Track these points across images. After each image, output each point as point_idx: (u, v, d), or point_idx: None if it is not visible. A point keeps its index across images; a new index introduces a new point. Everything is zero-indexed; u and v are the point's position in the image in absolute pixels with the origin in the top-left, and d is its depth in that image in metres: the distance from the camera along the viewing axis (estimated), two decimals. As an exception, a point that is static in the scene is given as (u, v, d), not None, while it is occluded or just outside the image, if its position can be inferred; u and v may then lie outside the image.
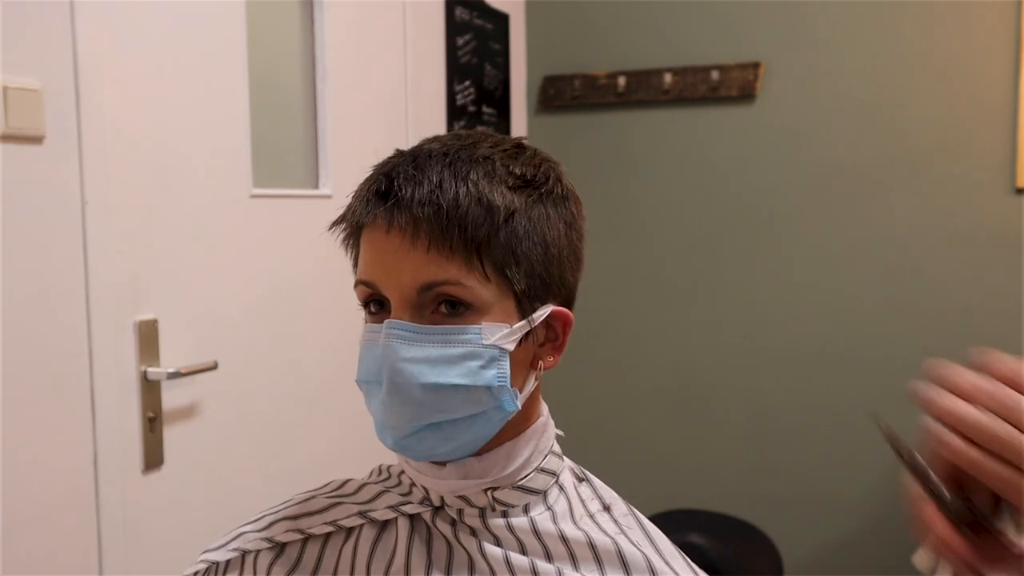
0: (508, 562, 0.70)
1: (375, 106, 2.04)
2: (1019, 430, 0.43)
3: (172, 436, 1.51)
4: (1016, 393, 0.43)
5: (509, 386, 0.68)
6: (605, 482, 0.78)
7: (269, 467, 1.71)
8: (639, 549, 0.71)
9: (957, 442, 0.44)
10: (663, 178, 2.56)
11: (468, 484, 0.70)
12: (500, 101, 2.58)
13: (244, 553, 0.77)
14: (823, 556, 2.46)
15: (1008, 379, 0.44)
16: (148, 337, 1.45)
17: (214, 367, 1.55)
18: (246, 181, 1.65)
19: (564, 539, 0.71)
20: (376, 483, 0.79)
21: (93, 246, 1.34)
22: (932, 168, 2.29)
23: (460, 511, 0.72)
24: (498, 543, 0.71)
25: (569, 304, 0.74)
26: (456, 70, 2.35)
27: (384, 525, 0.75)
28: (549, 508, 0.73)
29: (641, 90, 2.54)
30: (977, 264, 2.27)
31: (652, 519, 0.74)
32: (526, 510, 0.72)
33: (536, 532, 0.71)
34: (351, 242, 0.72)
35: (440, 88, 2.29)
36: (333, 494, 0.79)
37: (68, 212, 1.31)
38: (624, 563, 0.70)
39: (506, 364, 0.67)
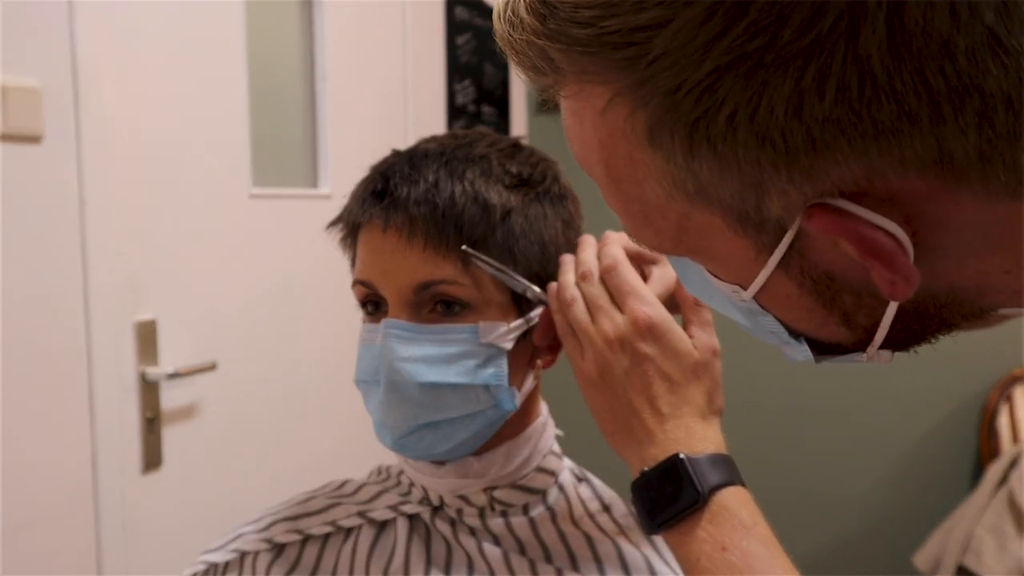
0: (507, 562, 0.69)
1: (375, 106, 2.04)
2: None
3: (171, 436, 1.51)
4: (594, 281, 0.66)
5: (507, 385, 0.68)
6: (605, 482, 0.78)
7: (268, 467, 1.71)
8: (639, 549, 0.71)
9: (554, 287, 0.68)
10: (663, 178, 2.55)
11: (467, 483, 0.70)
12: (500, 101, 2.58)
13: (243, 554, 0.76)
14: (824, 557, 2.46)
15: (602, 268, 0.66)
16: (147, 338, 1.45)
17: (213, 367, 1.55)
18: (245, 181, 1.65)
19: (564, 539, 0.71)
20: (375, 483, 0.79)
21: (92, 246, 1.34)
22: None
23: (459, 511, 0.72)
24: (497, 543, 0.71)
25: (568, 303, 0.73)
26: (456, 69, 2.35)
27: (383, 525, 0.75)
28: (549, 508, 0.73)
29: (641, 90, 2.54)
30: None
31: (651, 519, 0.74)
32: (525, 510, 0.72)
33: (536, 532, 0.71)
34: (349, 242, 0.72)
35: (440, 87, 2.29)
36: (332, 494, 0.79)
37: (67, 212, 1.31)
38: (624, 563, 0.70)
39: (504, 363, 0.67)
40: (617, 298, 0.64)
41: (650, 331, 0.62)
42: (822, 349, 0.44)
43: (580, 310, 0.65)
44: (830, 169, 0.33)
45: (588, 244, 0.68)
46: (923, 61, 0.30)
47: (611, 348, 0.63)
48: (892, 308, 0.39)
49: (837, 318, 0.40)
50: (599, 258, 0.67)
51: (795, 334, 0.43)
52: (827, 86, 0.30)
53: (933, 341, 0.43)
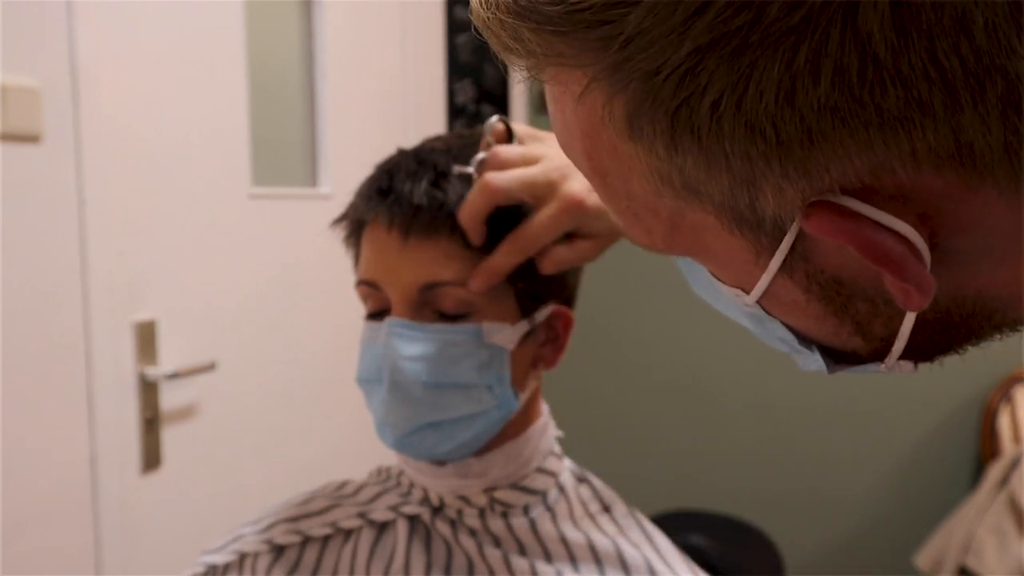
0: (508, 563, 0.69)
1: (374, 105, 2.03)
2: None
3: (170, 437, 1.51)
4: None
5: (509, 385, 0.67)
6: (606, 483, 0.77)
7: (268, 467, 1.70)
8: (639, 550, 0.70)
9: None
10: (663, 178, 2.55)
11: (467, 484, 0.70)
12: (500, 100, 2.57)
13: (243, 555, 0.76)
14: (825, 557, 2.46)
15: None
16: (146, 338, 1.45)
17: (212, 367, 1.55)
18: (245, 180, 1.65)
19: (564, 540, 0.70)
20: (375, 484, 0.78)
21: (91, 246, 1.33)
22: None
23: (459, 511, 0.71)
24: (497, 544, 0.70)
25: (570, 304, 0.73)
26: (455, 68, 2.34)
27: (383, 526, 0.75)
28: (549, 509, 0.72)
29: (641, 89, 2.53)
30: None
31: (653, 520, 0.74)
32: (526, 511, 0.72)
33: (536, 533, 0.70)
34: (352, 240, 0.72)
35: (439, 86, 2.29)
36: (332, 495, 0.78)
37: (66, 212, 1.30)
38: (624, 564, 0.69)
39: (506, 364, 0.67)
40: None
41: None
42: (837, 357, 0.40)
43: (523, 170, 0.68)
44: (829, 163, 0.29)
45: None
46: (934, 39, 0.26)
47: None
48: (910, 318, 0.35)
49: (850, 327, 0.36)
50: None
51: (806, 342, 0.39)
52: (822, 69, 0.27)
53: (961, 352, 0.38)
